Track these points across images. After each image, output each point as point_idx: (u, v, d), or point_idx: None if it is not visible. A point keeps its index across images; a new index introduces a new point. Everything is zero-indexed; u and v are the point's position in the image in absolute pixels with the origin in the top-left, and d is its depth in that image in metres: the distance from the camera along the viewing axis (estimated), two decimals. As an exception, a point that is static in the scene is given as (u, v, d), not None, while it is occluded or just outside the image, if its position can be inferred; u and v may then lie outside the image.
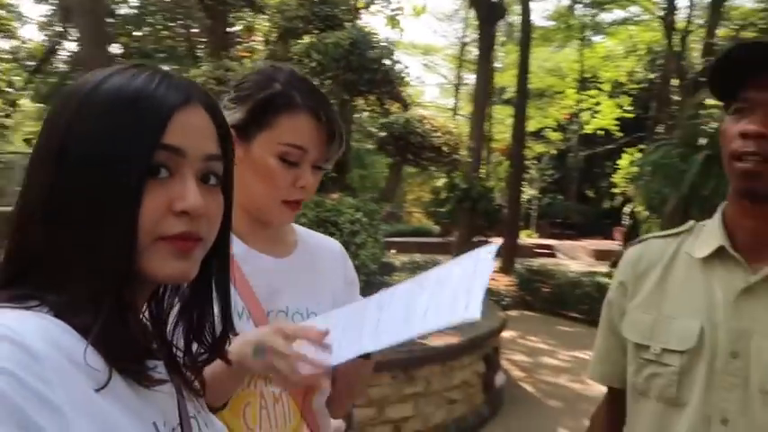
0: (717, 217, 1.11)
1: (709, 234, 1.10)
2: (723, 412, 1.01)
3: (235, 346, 0.87)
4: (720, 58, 1.03)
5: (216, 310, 0.73)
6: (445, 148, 5.15)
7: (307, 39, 5.66)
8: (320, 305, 1.10)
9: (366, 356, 1.04)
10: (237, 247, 1.06)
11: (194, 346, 0.73)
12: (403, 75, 4.91)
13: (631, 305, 1.16)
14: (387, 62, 4.69)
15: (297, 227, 1.21)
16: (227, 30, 9.35)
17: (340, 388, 1.15)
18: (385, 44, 4.80)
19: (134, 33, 14.77)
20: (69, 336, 0.56)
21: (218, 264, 0.71)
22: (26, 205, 0.61)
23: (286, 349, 0.87)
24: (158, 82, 0.61)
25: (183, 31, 14.76)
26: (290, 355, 0.86)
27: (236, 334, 0.78)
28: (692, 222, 1.18)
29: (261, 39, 6.62)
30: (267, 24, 6.61)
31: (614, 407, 1.23)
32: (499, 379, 5.12)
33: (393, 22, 8.90)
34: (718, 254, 1.07)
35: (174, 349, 0.72)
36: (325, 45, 4.66)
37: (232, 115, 1.03)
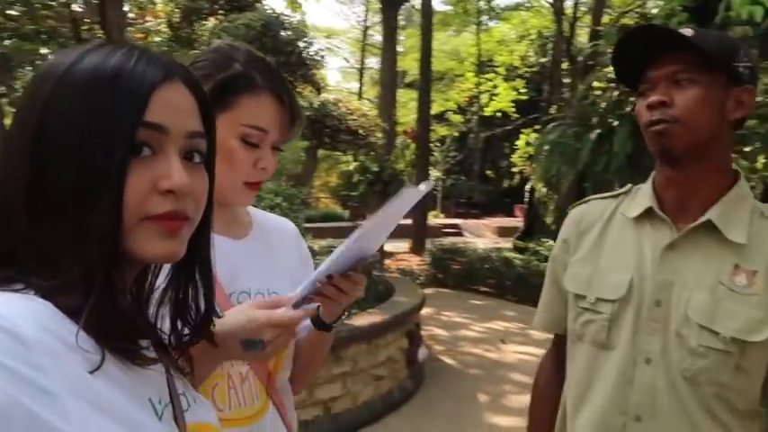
0: (649, 181, 1.22)
1: (641, 196, 1.21)
2: (647, 353, 1.12)
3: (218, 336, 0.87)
4: (617, 48, 1.15)
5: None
6: (361, 131, 5.19)
7: (213, 20, 5.47)
8: (279, 285, 1.12)
9: (327, 329, 1.09)
10: None
11: (179, 327, 0.73)
12: (317, 57, 4.89)
13: (573, 260, 1.27)
14: (301, 44, 4.64)
15: (250, 208, 1.21)
16: (121, 10, 8.81)
17: (301, 363, 1.18)
18: (297, 26, 4.74)
19: (7, 12, 13.49)
20: (59, 318, 0.55)
21: (201, 243, 0.71)
22: (6, 192, 0.59)
23: (285, 333, 0.88)
24: (136, 59, 0.60)
25: (65, 10, 13.66)
26: (287, 336, 0.89)
27: (218, 315, 0.79)
28: (629, 186, 1.29)
29: (161, 20, 6.30)
30: (168, 4, 6.30)
31: (558, 351, 1.35)
32: (421, 353, 5.29)
33: (294, 4, 8.73)
34: (648, 214, 1.18)
35: (159, 330, 0.72)
36: (237, 27, 4.53)
37: None
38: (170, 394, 0.66)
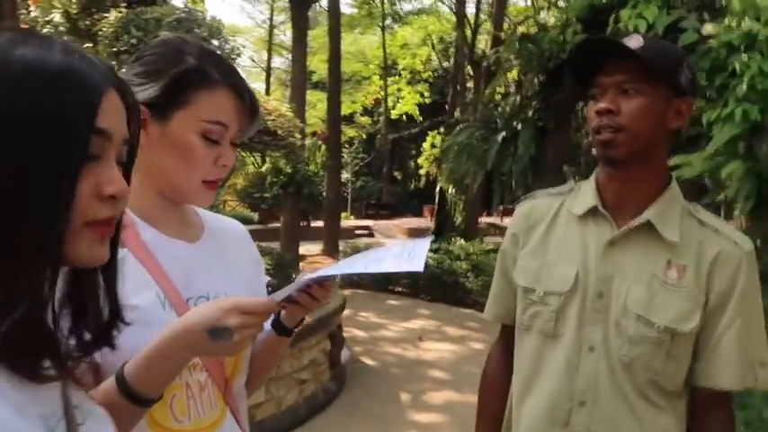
0: (592, 180, 1.29)
1: (585, 194, 1.28)
2: (590, 342, 1.20)
3: (179, 336, 0.83)
4: (572, 54, 1.23)
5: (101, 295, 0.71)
6: (280, 132, 5.09)
7: (115, 13, 5.16)
8: (237, 288, 1.08)
9: (288, 334, 1.07)
10: (149, 233, 1.00)
11: (80, 335, 0.69)
12: (233, 56, 4.73)
13: (522, 253, 1.33)
14: (215, 42, 4.47)
15: (198, 209, 1.16)
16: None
17: (257, 367, 1.15)
18: (211, 23, 4.57)
19: None
20: None
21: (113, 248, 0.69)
22: None
23: (255, 323, 0.85)
24: (79, 59, 0.58)
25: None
26: (255, 326, 0.85)
27: (124, 321, 0.74)
28: (572, 183, 1.36)
29: (57, 10, 5.85)
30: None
31: (506, 341, 1.41)
32: (343, 355, 5.28)
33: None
34: (591, 212, 1.25)
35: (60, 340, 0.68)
36: (146, 21, 4.30)
37: (143, 92, 0.96)
38: (65, 408, 0.63)
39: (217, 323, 0.83)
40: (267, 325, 1.05)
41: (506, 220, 12.95)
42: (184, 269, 1.01)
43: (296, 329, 1.08)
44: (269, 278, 1.23)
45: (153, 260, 0.98)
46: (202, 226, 1.12)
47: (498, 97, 11.16)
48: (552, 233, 1.30)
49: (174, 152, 0.98)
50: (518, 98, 9.45)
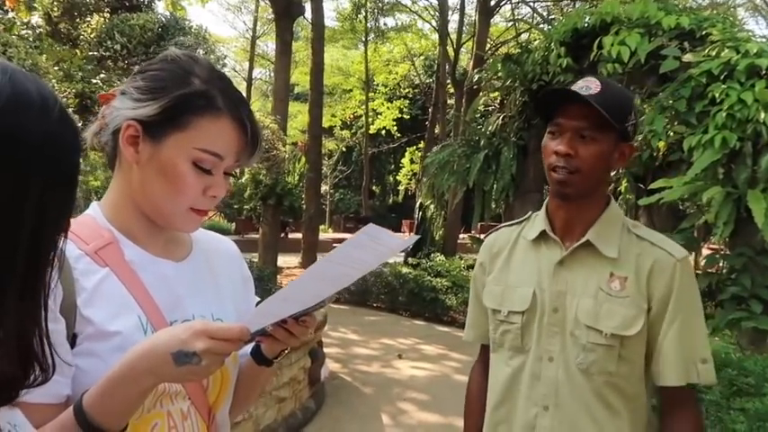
0: (543, 209, 1.42)
1: (537, 221, 1.43)
2: (549, 353, 1.34)
3: (143, 358, 0.79)
4: (538, 100, 1.37)
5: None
6: (265, 144, 5.03)
7: (97, 17, 5.07)
8: (223, 308, 1.04)
9: (268, 364, 1.03)
10: (133, 252, 0.95)
11: None
12: (219, 65, 4.66)
13: (488, 279, 1.48)
14: (201, 51, 4.40)
15: None
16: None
17: (239, 396, 1.10)
18: (197, 31, 4.50)
19: None
20: None
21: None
22: None
23: (224, 350, 0.80)
24: (42, 86, 0.55)
25: None
26: (223, 353, 0.81)
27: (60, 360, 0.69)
28: (529, 213, 1.51)
29: (37, 12, 5.72)
30: (44, -3, 5.74)
31: (485, 358, 1.54)
32: (323, 371, 5.19)
33: (174, 5, 8.16)
34: (543, 236, 1.40)
35: None
36: (131, 27, 4.22)
37: (140, 109, 0.91)
38: None
39: (183, 346, 0.78)
40: (247, 349, 1.01)
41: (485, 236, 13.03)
42: (170, 290, 0.96)
43: (276, 360, 1.03)
44: (258, 298, 1.18)
45: (136, 281, 0.93)
46: (191, 244, 1.07)
47: (479, 116, 11.24)
48: (512, 259, 1.45)
49: (163, 176, 0.92)
50: (500, 117, 9.52)
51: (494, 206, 9.39)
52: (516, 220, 1.51)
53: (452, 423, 4.71)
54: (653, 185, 4.74)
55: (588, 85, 1.28)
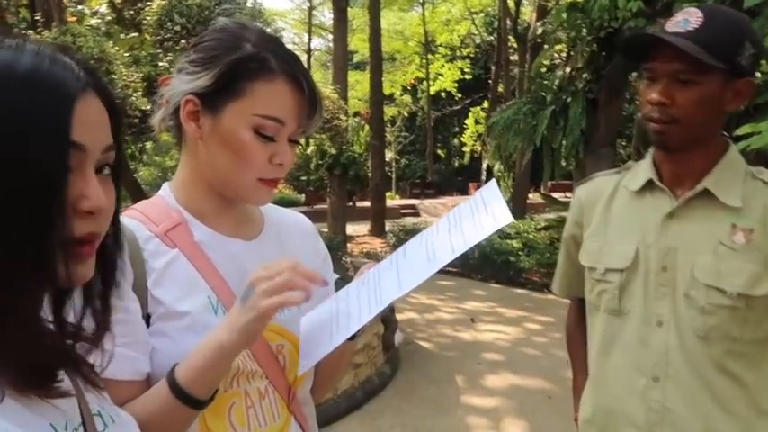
0: (648, 156, 1.29)
1: (641, 171, 1.28)
2: (658, 317, 1.20)
3: (223, 328, 0.80)
4: (630, 36, 1.21)
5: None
6: (326, 115, 5.03)
7: (158, 1, 5.16)
8: None
9: (351, 338, 0.99)
10: (202, 232, 0.95)
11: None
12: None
13: (585, 235, 1.35)
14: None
15: None
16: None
17: (323, 374, 1.09)
18: (252, 6, 4.51)
19: None
20: None
21: (110, 259, 0.65)
22: None
23: (283, 273, 0.79)
24: (50, 63, 0.54)
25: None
26: (278, 277, 0.79)
27: (109, 329, 0.68)
28: (630, 162, 1.36)
29: (102, 1, 5.91)
30: (108, -15, 5.92)
31: (578, 310, 1.47)
32: (397, 337, 5.24)
33: None
34: (649, 186, 1.26)
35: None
36: (189, 6, 4.27)
37: (195, 81, 0.90)
38: (81, 415, 0.61)
39: (248, 285, 0.80)
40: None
41: (556, 195, 12.67)
42: (240, 269, 0.95)
43: (359, 333, 1.00)
44: (337, 275, 1.15)
45: (206, 261, 0.93)
46: (263, 221, 1.05)
47: (545, 70, 10.80)
48: (610, 212, 1.31)
49: (226, 148, 0.90)
50: (567, 70, 9.12)
51: (564, 164, 9.10)
52: (613, 170, 1.37)
53: (530, 385, 4.66)
54: (738, 131, 4.41)
55: (687, 18, 1.12)
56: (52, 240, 0.52)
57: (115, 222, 0.64)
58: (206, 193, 0.96)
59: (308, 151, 9.11)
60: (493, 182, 0.86)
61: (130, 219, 0.93)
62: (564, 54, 9.93)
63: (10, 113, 0.50)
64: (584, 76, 8.69)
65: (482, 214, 0.81)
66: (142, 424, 0.73)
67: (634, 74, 7.95)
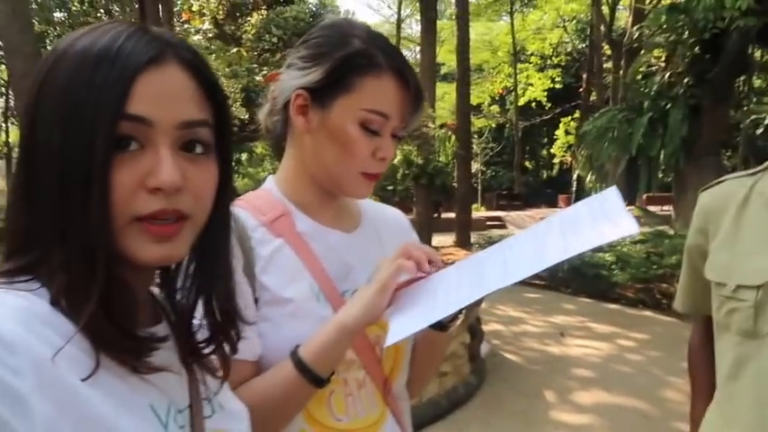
0: None
1: None
2: None
3: (346, 308, 0.85)
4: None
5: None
6: (415, 122, 5.07)
7: (256, 15, 5.41)
8: None
9: (443, 329, 0.98)
10: (305, 223, 0.98)
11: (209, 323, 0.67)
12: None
13: (712, 247, 1.19)
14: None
15: None
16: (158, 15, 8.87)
17: (418, 367, 1.08)
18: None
19: (49, 19, 13.76)
20: (54, 318, 0.51)
21: (214, 243, 0.64)
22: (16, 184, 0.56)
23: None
24: (125, 38, 0.54)
25: (105, 16, 13.91)
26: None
27: (244, 320, 0.71)
28: (767, 163, 1.18)
29: (206, 18, 6.27)
30: (209, 2, 6.28)
31: (703, 331, 1.30)
32: (483, 348, 5.15)
33: None
34: None
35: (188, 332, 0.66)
36: (285, 20, 4.45)
37: (306, 76, 0.92)
38: (191, 399, 0.62)
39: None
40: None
41: (652, 209, 12.02)
42: (340, 260, 0.98)
43: (451, 324, 0.99)
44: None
45: (308, 251, 0.96)
46: (360, 215, 1.08)
47: (641, 77, 10.32)
48: (742, 219, 1.15)
49: (334, 141, 0.93)
50: (667, 75, 8.66)
51: (661, 175, 8.63)
52: (746, 172, 1.21)
53: (623, 404, 4.43)
54: None
55: None
56: (97, 212, 0.52)
57: (220, 208, 0.62)
58: (309, 185, 0.99)
59: (395, 161, 9.19)
60: (614, 188, 0.81)
61: (238, 209, 0.96)
62: (662, 59, 9.44)
63: (76, 89, 0.53)
64: (685, 80, 8.23)
65: (602, 220, 0.77)
66: (258, 404, 0.75)
67: (742, 77, 7.44)
